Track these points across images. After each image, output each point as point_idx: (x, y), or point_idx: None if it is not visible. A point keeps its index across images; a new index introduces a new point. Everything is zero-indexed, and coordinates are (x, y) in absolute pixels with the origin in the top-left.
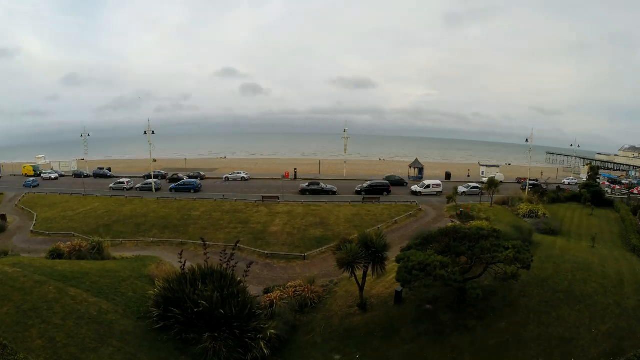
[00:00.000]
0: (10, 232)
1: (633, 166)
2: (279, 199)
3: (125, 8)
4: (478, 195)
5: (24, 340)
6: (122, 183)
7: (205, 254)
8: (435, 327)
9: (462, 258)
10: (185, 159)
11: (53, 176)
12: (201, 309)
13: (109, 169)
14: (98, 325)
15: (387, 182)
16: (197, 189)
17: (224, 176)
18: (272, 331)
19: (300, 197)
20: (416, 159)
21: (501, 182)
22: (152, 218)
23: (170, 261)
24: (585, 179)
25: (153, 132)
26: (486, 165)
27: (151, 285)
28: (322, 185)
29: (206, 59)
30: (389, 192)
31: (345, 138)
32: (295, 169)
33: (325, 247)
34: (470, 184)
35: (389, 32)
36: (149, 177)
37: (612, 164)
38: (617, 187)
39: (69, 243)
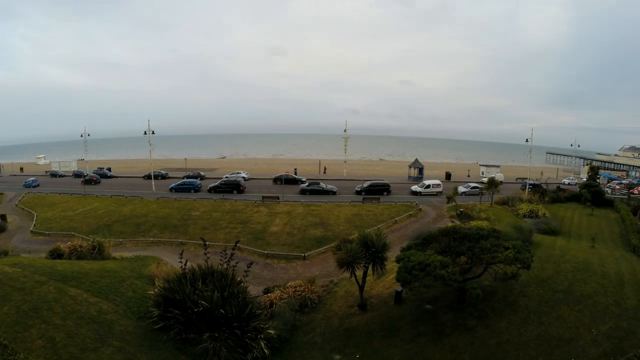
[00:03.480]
0: (10, 232)
1: (633, 166)
2: (279, 199)
3: None
4: (478, 195)
5: (24, 340)
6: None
7: (205, 254)
8: (435, 327)
9: (462, 258)
10: (185, 159)
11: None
12: (201, 309)
13: (109, 169)
14: (98, 325)
15: (387, 182)
16: (197, 189)
17: (224, 176)
18: (272, 331)
19: (300, 197)
20: (416, 159)
21: (501, 182)
22: (152, 218)
23: (170, 261)
24: (585, 179)
25: (153, 132)
26: (486, 165)
27: (151, 285)
28: (322, 185)
29: None
30: (389, 192)
31: (346, 138)
32: (295, 169)
33: (325, 247)
34: (470, 184)
35: None
36: (148, 177)
37: (612, 164)
38: (617, 187)
39: (69, 243)
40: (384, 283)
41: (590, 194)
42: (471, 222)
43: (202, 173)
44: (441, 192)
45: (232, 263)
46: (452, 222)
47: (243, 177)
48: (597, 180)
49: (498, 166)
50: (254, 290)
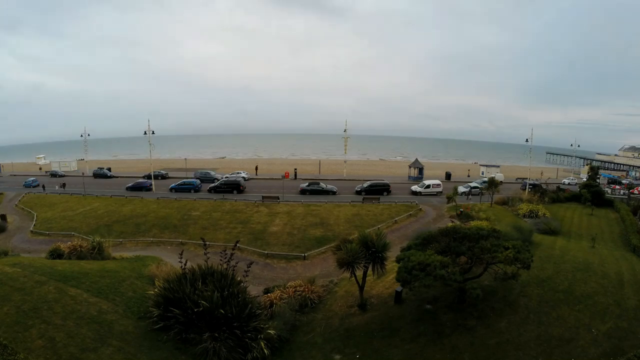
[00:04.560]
0: (10, 232)
1: (633, 166)
2: (279, 199)
3: None
4: (478, 195)
5: (24, 340)
6: None
7: (205, 254)
8: (435, 327)
9: (462, 258)
10: (185, 159)
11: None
12: (201, 309)
13: (109, 169)
14: (98, 325)
15: (387, 182)
16: (197, 189)
17: (224, 176)
18: (272, 331)
19: (300, 197)
20: (416, 159)
21: (501, 182)
22: (152, 218)
23: (170, 261)
24: (585, 179)
25: (153, 132)
26: (486, 165)
27: (151, 285)
28: (322, 185)
29: None
30: (389, 192)
31: (346, 138)
32: (295, 169)
33: (325, 247)
34: (470, 184)
35: None
36: (148, 177)
37: (612, 164)
38: (617, 187)
39: (69, 243)
40: (384, 283)
41: (590, 194)
42: (471, 222)
43: (212, 173)
44: (441, 192)
45: (232, 263)
46: (452, 222)
47: (243, 177)
48: (597, 180)
49: (498, 166)
50: (254, 290)
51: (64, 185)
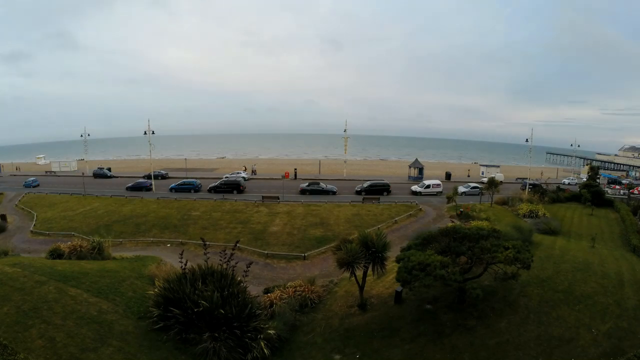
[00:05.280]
0: (10, 232)
1: (633, 166)
2: (279, 199)
3: None
4: (478, 195)
5: (24, 340)
6: None
7: (205, 253)
8: (435, 327)
9: (462, 258)
10: (185, 159)
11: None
12: (201, 309)
13: (109, 169)
14: (98, 325)
15: (387, 182)
16: (197, 189)
17: (224, 176)
18: (272, 331)
19: (300, 197)
20: (416, 159)
21: (501, 182)
22: (152, 218)
23: (170, 261)
24: (585, 179)
25: (153, 132)
26: (486, 165)
27: (151, 285)
28: (322, 185)
29: None
30: (389, 192)
31: (345, 138)
32: (295, 169)
33: (325, 247)
34: (470, 184)
35: None
36: (148, 177)
37: (612, 164)
38: (617, 187)
39: (69, 243)
40: (384, 283)
41: (590, 194)
42: (471, 222)
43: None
44: (441, 192)
45: (232, 263)
46: (452, 222)
47: (243, 177)
48: (597, 180)
49: (498, 166)
50: (254, 290)
51: None
